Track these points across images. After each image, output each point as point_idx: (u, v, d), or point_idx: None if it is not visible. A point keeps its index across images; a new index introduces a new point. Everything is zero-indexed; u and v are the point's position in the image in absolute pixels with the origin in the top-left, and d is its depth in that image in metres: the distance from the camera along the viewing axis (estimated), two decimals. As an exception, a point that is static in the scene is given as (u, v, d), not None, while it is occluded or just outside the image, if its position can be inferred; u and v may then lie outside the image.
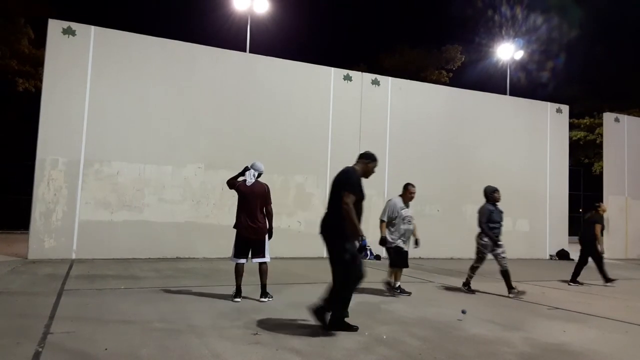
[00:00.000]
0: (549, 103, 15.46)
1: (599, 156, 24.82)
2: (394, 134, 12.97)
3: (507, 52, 24.82)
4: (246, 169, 6.09)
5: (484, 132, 14.17)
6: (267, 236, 6.00)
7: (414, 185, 6.97)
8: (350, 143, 12.51)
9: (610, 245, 15.19)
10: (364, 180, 4.82)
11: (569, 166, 16.11)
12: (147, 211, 10.49)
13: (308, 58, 12.92)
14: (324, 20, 41.12)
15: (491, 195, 7.24)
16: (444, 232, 12.48)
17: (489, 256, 7.22)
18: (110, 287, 6.64)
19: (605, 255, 8.83)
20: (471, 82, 28.91)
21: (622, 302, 6.91)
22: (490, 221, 7.07)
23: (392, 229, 6.76)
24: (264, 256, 5.95)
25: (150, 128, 10.66)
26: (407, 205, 6.86)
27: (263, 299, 5.86)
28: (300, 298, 6.24)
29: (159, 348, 3.83)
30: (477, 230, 7.32)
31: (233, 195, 9.91)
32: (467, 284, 7.29)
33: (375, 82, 13.09)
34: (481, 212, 7.18)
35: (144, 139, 10.60)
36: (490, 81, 28.25)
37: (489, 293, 7.27)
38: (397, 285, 6.83)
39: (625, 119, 16.32)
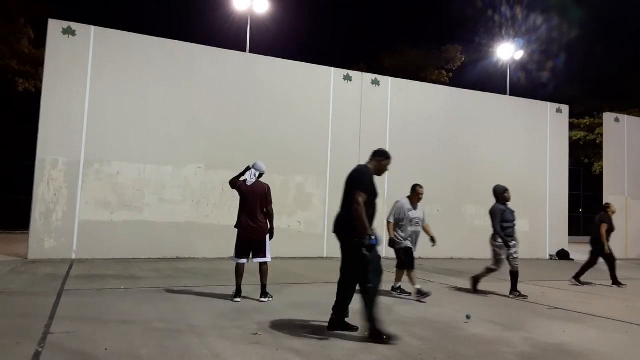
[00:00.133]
0: (549, 103, 15.46)
1: (599, 156, 24.83)
2: (394, 134, 12.97)
3: (507, 52, 24.84)
4: (248, 168, 6.09)
5: (484, 132, 14.17)
6: (268, 236, 5.99)
7: (422, 186, 6.81)
8: (350, 143, 12.52)
9: (610, 245, 15.21)
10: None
11: (569, 166, 16.11)
12: (147, 211, 10.49)
13: (308, 58, 12.94)
14: (324, 20, 41.14)
15: (502, 195, 7.13)
16: (443, 232, 12.36)
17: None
18: (110, 287, 6.64)
19: (613, 256, 8.78)
20: (471, 82, 28.93)
21: (622, 302, 6.91)
22: (503, 220, 6.95)
23: (400, 231, 6.63)
24: (264, 256, 5.95)
25: (150, 128, 10.66)
26: (415, 207, 6.71)
27: (263, 299, 5.86)
28: (300, 298, 6.24)
29: (159, 348, 3.84)
30: (487, 231, 7.22)
31: (233, 195, 9.92)
32: (476, 281, 7.20)
33: (375, 82, 13.09)
34: (493, 212, 7.04)
35: (144, 139, 10.60)
36: (490, 81, 28.28)
37: (489, 293, 7.26)
38: (397, 286, 6.77)
39: (625, 119, 16.32)
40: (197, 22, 39.09)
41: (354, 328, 4.49)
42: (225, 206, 10.97)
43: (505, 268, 7.09)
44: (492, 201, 7.27)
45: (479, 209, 13.69)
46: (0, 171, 19.29)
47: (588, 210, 30.36)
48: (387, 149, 5.04)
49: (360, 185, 4.44)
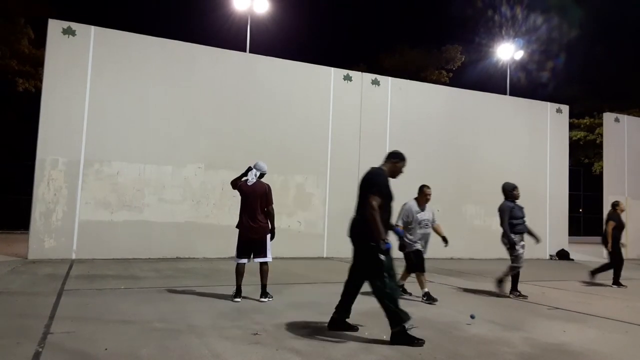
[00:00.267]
0: (549, 103, 15.46)
1: (599, 156, 24.84)
2: (394, 134, 12.97)
3: (507, 52, 24.83)
4: (249, 169, 6.10)
5: (484, 132, 14.18)
6: (268, 236, 5.99)
7: (429, 187, 6.67)
8: (350, 143, 12.52)
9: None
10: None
11: (569, 166, 16.11)
12: (147, 211, 10.50)
13: (308, 58, 12.94)
14: (324, 20, 41.13)
15: (510, 192, 7.05)
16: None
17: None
18: (110, 287, 6.64)
19: (604, 256, 8.76)
20: (471, 82, 28.94)
21: (622, 302, 6.91)
22: (513, 217, 6.86)
23: (409, 234, 6.46)
24: (265, 256, 5.95)
25: (150, 128, 10.66)
26: (423, 209, 6.55)
27: (263, 299, 5.86)
28: (300, 298, 6.24)
29: (159, 348, 3.84)
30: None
31: (233, 196, 9.91)
32: (500, 281, 6.93)
33: (375, 82, 13.09)
34: (502, 210, 6.96)
35: (144, 139, 10.60)
36: (490, 81, 28.28)
37: (489, 293, 7.26)
38: (401, 284, 6.61)
39: (625, 119, 16.32)
40: (197, 22, 39.11)
41: (354, 328, 4.48)
42: (225, 206, 10.97)
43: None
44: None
45: (479, 209, 13.70)
46: (1, 171, 19.29)
47: (588, 210, 30.38)
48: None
49: (374, 189, 4.35)
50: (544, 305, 6.36)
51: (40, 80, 11.47)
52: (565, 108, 15.55)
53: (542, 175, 14.65)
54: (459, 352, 4.00)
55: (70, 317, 4.73)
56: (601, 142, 19.30)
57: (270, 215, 5.99)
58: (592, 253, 16.37)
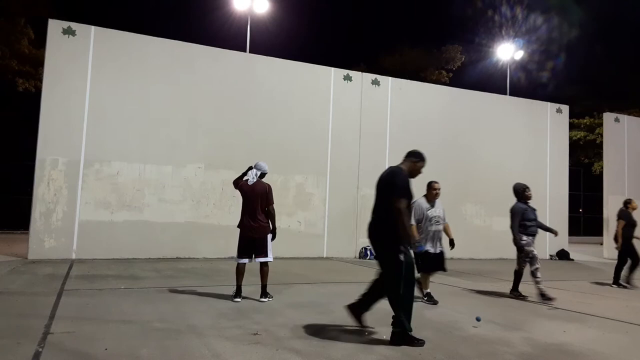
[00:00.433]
0: (549, 103, 15.46)
1: (599, 156, 24.84)
2: (394, 134, 12.97)
3: (507, 52, 24.82)
4: (250, 168, 6.11)
5: (484, 132, 14.18)
6: (269, 236, 5.99)
7: (437, 182, 6.51)
8: (350, 143, 12.53)
9: (610, 245, 15.18)
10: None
11: (569, 166, 16.11)
12: (147, 211, 10.50)
13: (308, 58, 12.92)
14: (324, 21, 41.11)
15: (522, 193, 6.92)
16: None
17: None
18: (110, 287, 6.64)
19: (604, 256, 8.73)
20: (471, 82, 28.92)
21: (622, 302, 6.91)
22: (525, 219, 6.75)
23: (420, 232, 6.31)
24: (266, 255, 5.95)
25: (150, 128, 10.67)
26: (432, 205, 6.44)
27: (263, 299, 5.87)
28: (300, 298, 6.25)
29: (159, 348, 3.84)
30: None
31: (233, 195, 9.91)
32: (542, 294, 6.55)
33: (375, 82, 13.09)
34: (514, 212, 6.82)
35: (144, 139, 10.60)
36: (490, 81, 28.28)
37: (489, 293, 7.26)
38: (426, 292, 6.31)
39: (625, 119, 16.31)
40: (197, 22, 39.07)
41: (363, 325, 4.37)
42: (225, 206, 10.98)
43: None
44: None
45: (478, 209, 13.70)
46: (1, 171, 19.30)
47: (588, 210, 30.37)
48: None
49: (399, 191, 4.25)
50: (544, 305, 6.36)
51: (41, 80, 11.48)
52: (565, 108, 15.55)
53: (542, 175, 14.65)
54: (459, 352, 4.00)
55: (71, 317, 4.73)
56: (601, 142, 19.31)
57: (270, 215, 5.99)
58: (592, 253, 16.38)
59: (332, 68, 12.70)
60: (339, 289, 7.11)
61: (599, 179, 20.54)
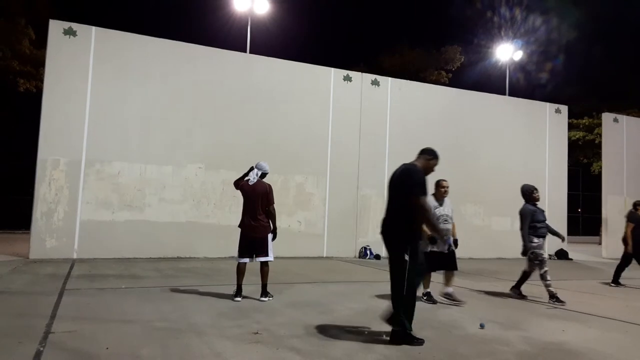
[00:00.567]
0: (547, 103, 15.48)
1: (598, 156, 24.84)
2: (393, 134, 12.99)
3: (506, 52, 24.83)
4: (251, 168, 6.13)
5: (483, 133, 14.20)
6: (270, 235, 6.01)
7: (445, 180, 6.38)
8: (350, 143, 12.55)
9: (609, 245, 15.20)
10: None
11: (568, 166, 16.13)
12: (148, 211, 10.52)
13: (308, 58, 12.95)
14: (324, 21, 41.15)
15: (530, 195, 6.85)
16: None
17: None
18: (111, 286, 6.66)
19: (603, 255, 8.74)
20: (470, 82, 28.97)
21: (622, 302, 6.93)
22: (535, 221, 6.69)
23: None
24: (267, 255, 5.97)
25: (150, 128, 10.69)
26: (441, 203, 6.33)
27: (263, 299, 5.89)
28: (300, 298, 6.27)
29: (160, 347, 3.86)
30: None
31: (233, 195, 9.93)
32: (553, 296, 6.49)
33: (375, 83, 13.11)
34: (523, 214, 6.76)
35: (145, 139, 10.63)
36: (490, 82, 28.30)
37: (488, 292, 7.28)
38: (426, 292, 6.25)
39: (624, 119, 16.33)
40: (197, 23, 39.08)
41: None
42: (225, 206, 11.00)
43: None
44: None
45: (478, 209, 13.73)
46: (2, 171, 19.32)
47: (587, 210, 30.40)
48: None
49: (418, 189, 4.24)
50: (543, 304, 6.38)
51: (41, 81, 11.49)
52: (564, 108, 15.57)
53: (541, 175, 14.66)
54: (458, 352, 4.02)
55: (72, 317, 4.75)
56: (600, 142, 19.31)
57: (271, 215, 6.01)
58: (591, 253, 16.40)
59: (332, 68, 12.73)
60: (339, 289, 7.14)
61: (597, 179, 20.55)
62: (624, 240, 8.68)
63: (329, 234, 12.11)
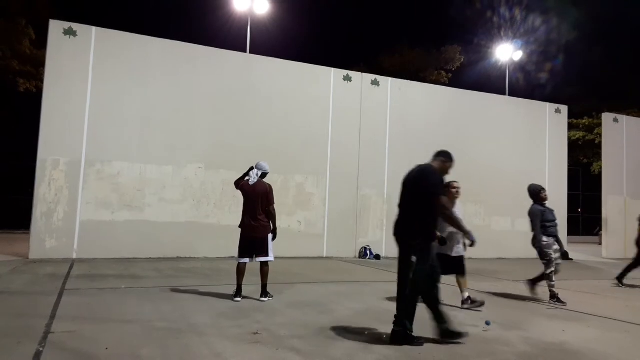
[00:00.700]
0: (547, 103, 15.48)
1: (598, 156, 24.85)
2: (393, 134, 12.99)
3: (506, 52, 24.84)
4: (251, 168, 6.13)
5: (483, 133, 14.19)
6: (270, 235, 6.01)
7: (457, 181, 6.22)
8: (350, 143, 12.54)
9: (609, 245, 15.20)
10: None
11: (568, 166, 16.12)
12: (148, 211, 10.51)
13: (308, 58, 12.95)
14: (324, 21, 41.14)
15: (538, 195, 6.83)
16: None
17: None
18: (111, 286, 6.66)
19: (603, 255, 8.71)
20: (470, 82, 28.97)
21: (622, 302, 6.93)
22: (545, 221, 6.67)
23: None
24: (267, 255, 5.96)
25: (150, 128, 10.68)
26: (452, 205, 6.25)
27: (263, 299, 5.88)
28: (300, 298, 6.26)
29: (159, 347, 3.85)
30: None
31: (233, 195, 9.93)
32: (554, 296, 6.52)
33: (375, 83, 13.11)
34: (533, 214, 6.74)
35: (145, 139, 10.62)
36: (490, 82, 28.31)
37: (488, 292, 7.27)
38: (466, 297, 6.04)
39: (624, 119, 16.33)
40: (197, 23, 39.09)
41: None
42: (225, 206, 11.00)
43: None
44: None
45: (478, 209, 13.72)
46: (2, 171, 19.31)
47: (587, 210, 30.40)
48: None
49: (438, 190, 4.27)
50: (544, 304, 6.38)
51: (42, 81, 11.49)
52: (564, 108, 15.56)
53: (541, 175, 14.64)
54: (458, 352, 4.01)
55: (71, 317, 4.74)
56: (600, 142, 19.32)
57: (271, 215, 6.00)
58: (591, 253, 16.39)
59: (332, 68, 12.72)
60: (339, 289, 7.13)
61: (597, 179, 20.55)
62: (637, 242, 8.65)
63: (329, 234, 12.11)
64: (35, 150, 9.82)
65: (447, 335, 4.22)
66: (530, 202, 6.94)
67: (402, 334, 4.16)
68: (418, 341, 4.13)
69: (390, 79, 13.55)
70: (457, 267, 6.19)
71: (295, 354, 3.80)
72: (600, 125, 19.41)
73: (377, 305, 5.93)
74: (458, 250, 6.25)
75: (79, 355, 3.63)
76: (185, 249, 10.63)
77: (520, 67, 29.05)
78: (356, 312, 5.49)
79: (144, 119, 10.65)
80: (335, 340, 4.24)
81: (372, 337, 4.36)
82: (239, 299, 5.84)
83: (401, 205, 4.49)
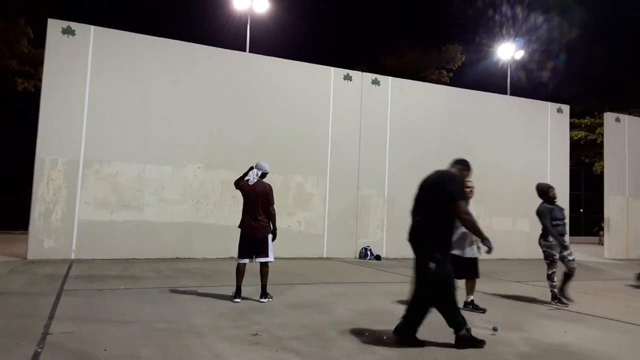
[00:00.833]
0: (549, 103, 15.44)
1: (600, 156, 24.84)
2: (394, 133, 12.95)
3: (508, 51, 24.82)
4: (251, 168, 6.10)
5: (485, 132, 14.16)
6: (270, 236, 5.98)
7: (471, 180, 6.15)
8: (350, 143, 12.51)
9: (611, 245, 15.18)
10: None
11: (570, 166, 16.09)
12: (147, 211, 10.48)
13: (308, 58, 12.91)
14: (324, 20, 41.11)
15: (547, 193, 6.76)
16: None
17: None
18: (109, 287, 6.63)
19: (605, 256, 8.64)
20: (471, 82, 28.89)
21: (623, 302, 6.90)
22: (553, 219, 6.57)
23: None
24: (267, 255, 5.92)
25: (150, 128, 10.65)
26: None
27: (263, 300, 5.85)
28: (300, 298, 6.23)
29: (159, 348, 3.83)
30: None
31: (233, 196, 9.90)
32: (555, 297, 6.43)
33: (376, 82, 13.07)
34: (541, 212, 6.67)
35: (144, 139, 10.59)
36: (491, 81, 28.27)
37: (489, 293, 7.24)
38: (469, 300, 5.94)
39: (626, 118, 16.30)
40: (197, 22, 39.07)
41: (480, 343, 4.16)
42: (225, 206, 10.96)
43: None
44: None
45: (478, 209, 13.66)
46: (0, 171, 19.28)
47: (589, 211, 30.37)
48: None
49: (459, 195, 4.27)
50: (544, 305, 6.35)
51: (40, 80, 11.44)
52: (566, 108, 15.53)
53: (542, 175, 14.61)
54: (459, 352, 3.99)
55: (70, 318, 4.72)
56: (602, 142, 19.31)
57: (271, 215, 5.97)
58: (593, 253, 16.36)
59: (332, 68, 12.69)
60: (339, 290, 7.10)
61: (599, 178, 20.52)
62: None
63: (329, 235, 12.07)
64: (33, 150, 9.79)
65: (467, 341, 4.13)
66: (537, 201, 6.86)
67: (405, 332, 4.15)
68: (420, 343, 4.10)
69: (390, 78, 13.52)
70: (470, 269, 6.01)
71: (295, 355, 3.77)
72: (602, 125, 19.40)
73: (378, 306, 5.90)
74: (472, 252, 6.07)
75: (78, 356, 3.61)
76: (184, 249, 10.60)
77: (521, 66, 29.02)
78: (356, 312, 5.46)
79: (143, 119, 10.62)
80: (336, 341, 4.22)
81: (372, 338, 4.33)
82: (238, 299, 5.81)
83: (416, 211, 4.43)
